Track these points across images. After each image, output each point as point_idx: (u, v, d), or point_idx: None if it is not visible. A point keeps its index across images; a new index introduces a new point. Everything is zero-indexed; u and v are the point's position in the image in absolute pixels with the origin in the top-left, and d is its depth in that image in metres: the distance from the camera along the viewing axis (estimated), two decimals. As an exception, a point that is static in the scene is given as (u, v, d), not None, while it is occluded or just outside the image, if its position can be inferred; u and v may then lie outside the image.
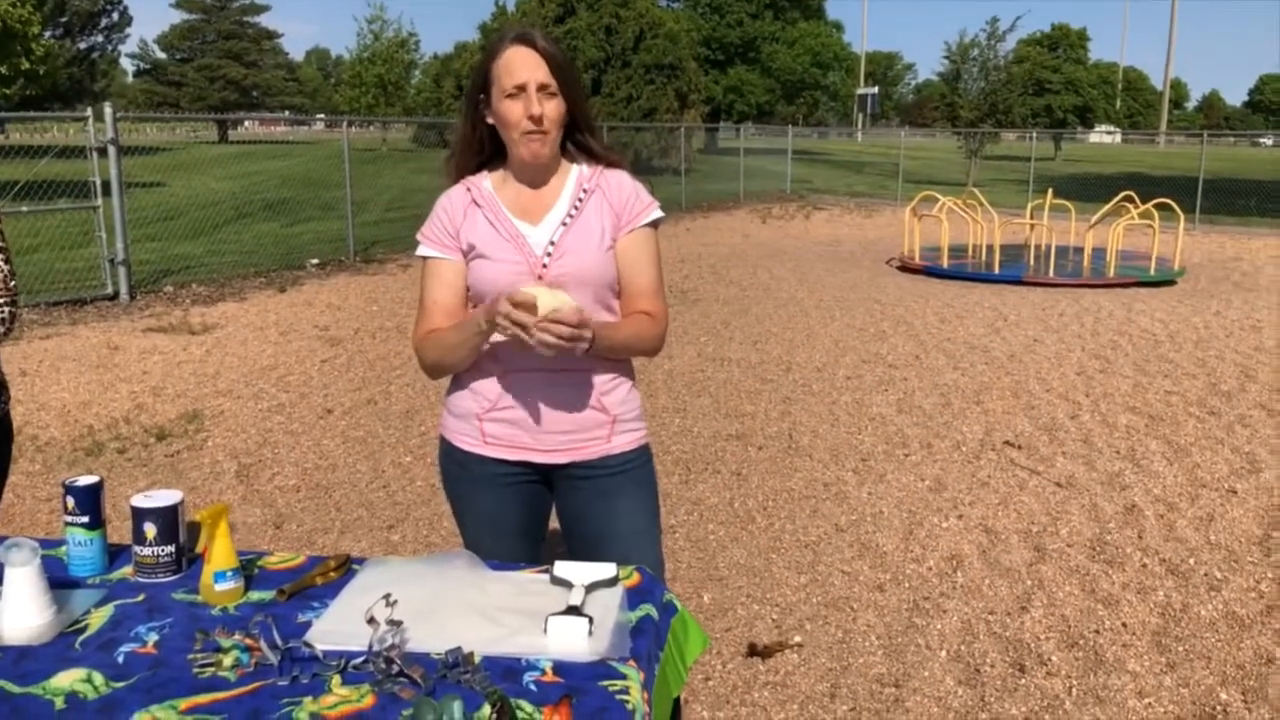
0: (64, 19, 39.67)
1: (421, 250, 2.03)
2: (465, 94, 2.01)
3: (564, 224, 1.96)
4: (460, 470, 2.08)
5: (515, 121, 1.89)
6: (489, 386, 2.01)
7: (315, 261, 11.57)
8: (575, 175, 2.02)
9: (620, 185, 2.02)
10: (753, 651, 3.17)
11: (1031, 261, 11.99)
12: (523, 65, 1.87)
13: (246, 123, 60.67)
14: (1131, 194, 12.53)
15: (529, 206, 1.99)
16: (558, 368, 1.97)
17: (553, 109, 1.90)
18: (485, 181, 2.02)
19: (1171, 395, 6.28)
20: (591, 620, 1.58)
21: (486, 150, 2.01)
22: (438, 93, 36.49)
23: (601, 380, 2.02)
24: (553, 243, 1.94)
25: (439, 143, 31.80)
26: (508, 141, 1.95)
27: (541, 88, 1.88)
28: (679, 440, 5.32)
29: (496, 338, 1.96)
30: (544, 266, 1.93)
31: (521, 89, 1.87)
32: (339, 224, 12.73)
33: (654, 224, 2.04)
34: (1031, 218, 12.64)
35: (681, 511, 4.34)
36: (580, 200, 1.98)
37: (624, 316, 2.02)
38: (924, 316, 8.93)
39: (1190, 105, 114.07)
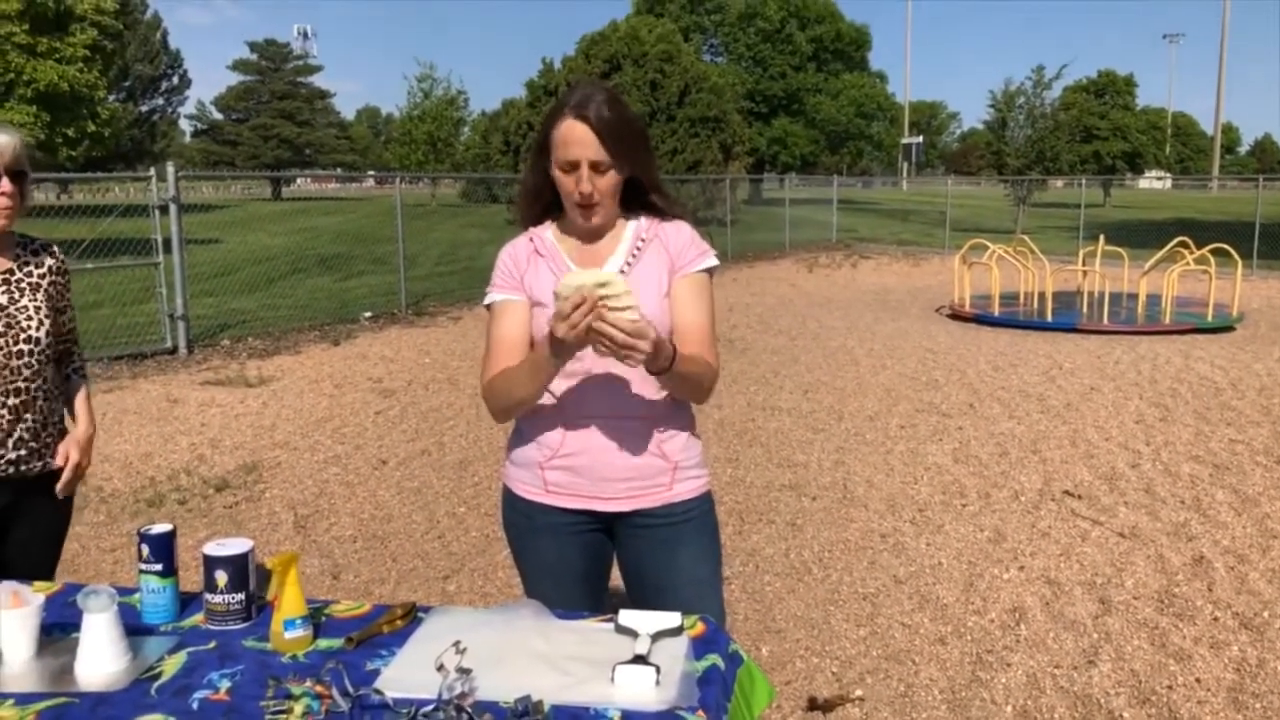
0: (127, 83, 41.04)
1: (489, 299, 2.04)
2: (533, 146, 2.04)
3: (621, 272, 1.98)
4: (523, 519, 2.09)
5: (568, 193, 1.93)
6: (551, 436, 2.02)
7: (368, 315, 11.74)
8: (633, 227, 2.04)
9: (678, 232, 2.04)
10: (813, 705, 3.11)
11: (1085, 309, 11.85)
12: (577, 142, 1.88)
13: (299, 180, 62.08)
14: (1186, 240, 12.36)
15: (589, 256, 2.02)
16: (618, 415, 1.98)
17: (605, 184, 1.92)
18: (548, 232, 2.06)
19: (1236, 444, 6.14)
20: (658, 669, 1.57)
21: (546, 199, 2.04)
22: (486, 149, 37.08)
23: (662, 427, 2.02)
24: None
25: (487, 198, 32.26)
26: (565, 204, 1.99)
27: (594, 165, 1.89)
28: (732, 490, 5.29)
29: (560, 384, 1.98)
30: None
31: (574, 166, 1.89)
32: (391, 278, 12.93)
33: (709, 271, 2.05)
34: (1084, 264, 12.51)
35: (737, 563, 4.30)
36: (638, 249, 2.01)
37: None
38: (977, 365, 8.84)
39: (1242, 149, 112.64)
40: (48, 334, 2.43)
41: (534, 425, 2.05)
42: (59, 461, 2.47)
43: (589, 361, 1.96)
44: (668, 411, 2.03)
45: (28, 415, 2.40)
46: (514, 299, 2.02)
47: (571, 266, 2.00)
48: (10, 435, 2.37)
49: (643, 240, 2.02)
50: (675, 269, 2.01)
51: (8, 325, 2.36)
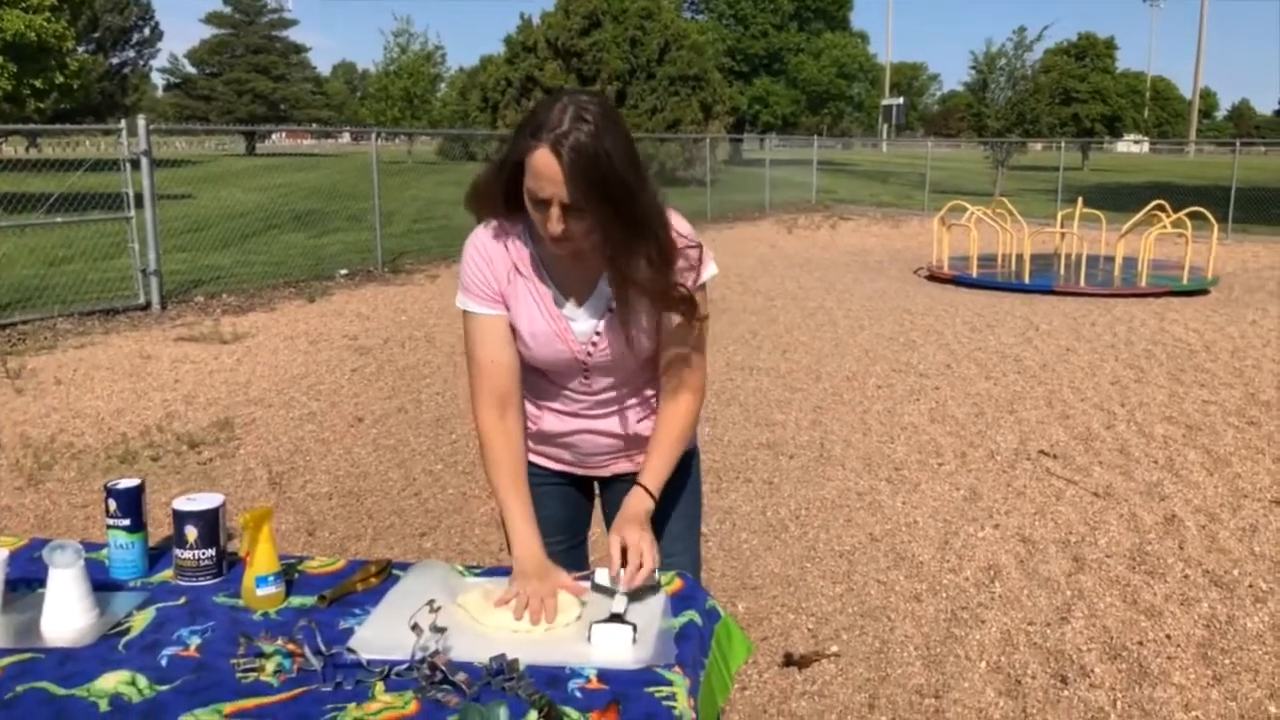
0: (96, 34, 40.23)
1: (464, 304, 1.85)
2: (505, 147, 1.71)
3: (610, 309, 1.82)
4: None
5: (539, 225, 1.69)
6: (534, 414, 2.01)
7: (344, 272, 11.62)
8: None
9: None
10: (789, 661, 3.13)
11: (1062, 271, 11.88)
12: (549, 180, 1.60)
13: (274, 135, 61.25)
14: (1163, 203, 12.40)
15: (572, 275, 1.82)
16: (594, 414, 1.96)
17: (582, 228, 1.66)
18: (526, 244, 1.82)
19: (1209, 405, 6.19)
20: (635, 628, 1.56)
21: (510, 206, 1.75)
22: (463, 105, 36.71)
23: (639, 413, 1.99)
24: (598, 333, 1.83)
25: (464, 155, 31.93)
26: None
27: (565, 207, 1.63)
28: (709, 449, 5.29)
29: (550, 388, 1.95)
30: (588, 355, 1.85)
31: (546, 202, 1.64)
32: (367, 235, 12.79)
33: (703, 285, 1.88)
34: (1062, 227, 12.54)
35: (714, 520, 4.30)
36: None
37: (661, 386, 1.92)
38: (954, 326, 8.86)
39: (1219, 114, 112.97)
40: None
41: (528, 397, 2.02)
42: None
43: (588, 383, 1.92)
44: (642, 400, 1.99)
45: None
46: (494, 314, 1.83)
47: (554, 294, 1.82)
48: None
49: None
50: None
51: None
